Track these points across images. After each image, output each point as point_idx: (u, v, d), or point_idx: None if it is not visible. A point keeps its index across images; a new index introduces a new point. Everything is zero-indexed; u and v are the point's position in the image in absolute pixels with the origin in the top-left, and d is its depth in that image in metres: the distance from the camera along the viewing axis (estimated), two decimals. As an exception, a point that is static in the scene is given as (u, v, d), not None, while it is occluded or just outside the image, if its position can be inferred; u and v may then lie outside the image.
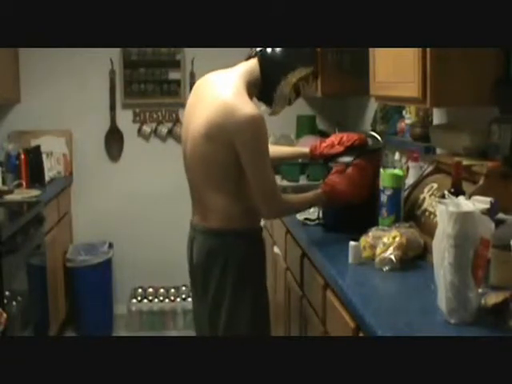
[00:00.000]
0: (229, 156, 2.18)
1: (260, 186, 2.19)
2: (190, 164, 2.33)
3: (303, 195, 2.39)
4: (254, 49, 2.32)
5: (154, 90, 4.60)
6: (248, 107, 2.15)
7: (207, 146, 2.21)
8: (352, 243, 2.15)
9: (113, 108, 4.61)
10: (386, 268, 2.05)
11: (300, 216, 2.79)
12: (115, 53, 4.54)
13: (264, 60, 2.27)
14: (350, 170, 2.40)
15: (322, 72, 3.78)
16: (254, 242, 2.37)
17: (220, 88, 2.22)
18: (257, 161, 2.17)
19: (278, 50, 2.27)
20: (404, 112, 3.21)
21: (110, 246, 4.59)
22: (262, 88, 2.29)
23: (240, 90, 2.20)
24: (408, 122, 3.14)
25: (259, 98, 2.34)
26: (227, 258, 2.28)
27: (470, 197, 1.87)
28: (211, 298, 2.34)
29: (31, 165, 4.13)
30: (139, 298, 4.56)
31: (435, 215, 2.12)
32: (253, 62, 2.30)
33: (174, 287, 4.61)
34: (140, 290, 4.62)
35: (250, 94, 2.25)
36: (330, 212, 2.59)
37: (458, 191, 1.98)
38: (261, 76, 2.27)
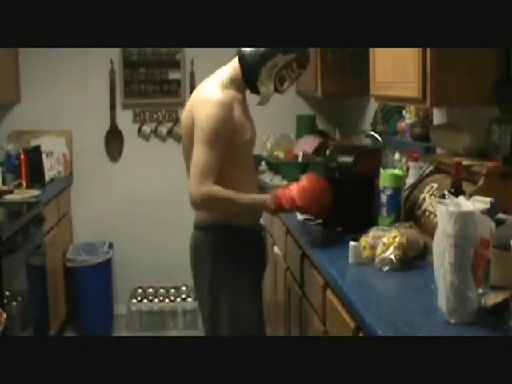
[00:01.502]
0: None
1: (193, 164, 2.19)
2: (184, 159, 2.38)
3: (247, 195, 2.25)
4: None
5: (154, 90, 4.60)
6: (215, 92, 2.23)
7: (186, 139, 2.31)
8: (352, 243, 2.15)
9: (113, 108, 4.61)
10: (386, 268, 2.05)
11: (300, 216, 2.79)
12: (115, 53, 4.54)
13: (242, 55, 2.30)
14: (302, 181, 2.33)
15: (321, 72, 3.79)
16: (243, 240, 2.34)
17: (204, 85, 2.33)
18: (199, 138, 2.18)
19: None
20: (404, 112, 3.21)
21: (110, 246, 4.59)
22: (245, 80, 2.32)
23: (219, 83, 2.27)
24: (408, 121, 3.14)
25: (250, 91, 2.38)
26: (209, 254, 2.31)
27: (470, 197, 1.87)
28: (197, 295, 2.43)
29: (31, 165, 4.13)
30: (139, 298, 4.56)
31: (435, 215, 2.12)
32: (237, 58, 2.35)
33: (174, 287, 4.61)
34: (140, 290, 4.62)
35: (237, 87, 2.30)
36: (330, 212, 2.59)
37: (458, 191, 1.98)
38: (240, 68, 2.30)
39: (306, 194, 2.25)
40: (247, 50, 2.29)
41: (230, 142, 2.22)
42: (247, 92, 2.39)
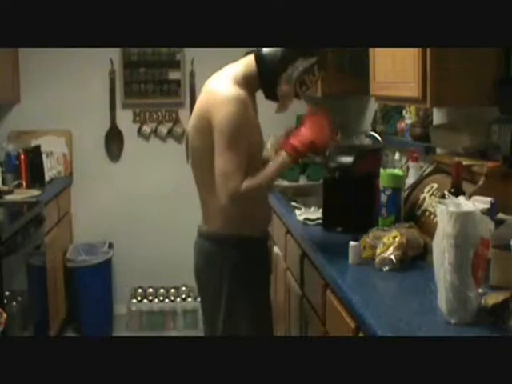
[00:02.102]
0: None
1: (217, 166, 2.09)
2: (191, 163, 2.30)
3: (267, 169, 2.17)
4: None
5: (154, 90, 4.60)
6: (227, 89, 2.13)
7: (198, 139, 2.20)
8: (352, 243, 2.15)
9: (113, 108, 4.61)
10: (386, 268, 2.05)
11: (300, 216, 2.79)
12: (115, 53, 4.54)
13: (260, 57, 2.20)
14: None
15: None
16: (254, 250, 2.29)
17: (216, 82, 2.22)
18: (221, 139, 2.08)
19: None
20: (404, 112, 3.21)
21: (110, 246, 4.59)
22: (263, 85, 2.22)
23: (232, 80, 2.17)
24: (408, 121, 3.14)
25: (267, 96, 2.26)
26: (222, 266, 2.24)
27: (470, 197, 1.87)
28: (208, 305, 2.34)
29: (31, 165, 4.12)
30: (139, 298, 4.56)
31: (435, 215, 2.12)
32: (251, 57, 2.24)
33: (174, 287, 4.61)
34: (140, 290, 4.62)
35: (249, 88, 2.20)
36: (330, 212, 2.59)
37: (458, 191, 1.98)
38: (258, 74, 2.20)
39: (316, 127, 2.17)
40: (265, 52, 2.18)
41: (247, 140, 2.13)
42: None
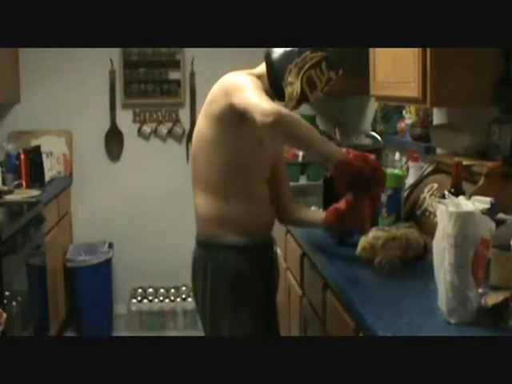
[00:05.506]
0: (217, 134, 2.10)
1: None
2: (192, 156, 2.24)
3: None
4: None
5: (154, 90, 4.61)
6: (244, 76, 2.08)
7: (207, 127, 2.13)
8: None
9: (113, 108, 4.61)
10: (386, 268, 2.05)
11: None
12: (115, 53, 4.54)
13: (269, 51, 2.16)
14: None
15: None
16: (238, 257, 2.16)
17: (230, 74, 2.15)
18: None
19: None
20: (404, 112, 3.22)
21: (110, 246, 4.59)
22: (270, 81, 2.14)
23: (244, 73, 2.13)
24: (408, 122, 3.14)
25: (275, 94, 2.16)
26: (207, 273, 2.18)
27: (470, 197, 1.87)
28: (198, 311, 2.36)
29: (31, 165, 4.13)
30: (139, 298, 4.56)
31: (435, 215, 2.11)
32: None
33: (174, 287, 4.61)
34: (140, 290, 4.62)
35: (263, 86, 2.11)
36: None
37: (458, 191, 1.98)
38: (266, 67, 2.15)
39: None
40: (275, 49, 2.13)
41: (241, 127, 2.06)
42: None
